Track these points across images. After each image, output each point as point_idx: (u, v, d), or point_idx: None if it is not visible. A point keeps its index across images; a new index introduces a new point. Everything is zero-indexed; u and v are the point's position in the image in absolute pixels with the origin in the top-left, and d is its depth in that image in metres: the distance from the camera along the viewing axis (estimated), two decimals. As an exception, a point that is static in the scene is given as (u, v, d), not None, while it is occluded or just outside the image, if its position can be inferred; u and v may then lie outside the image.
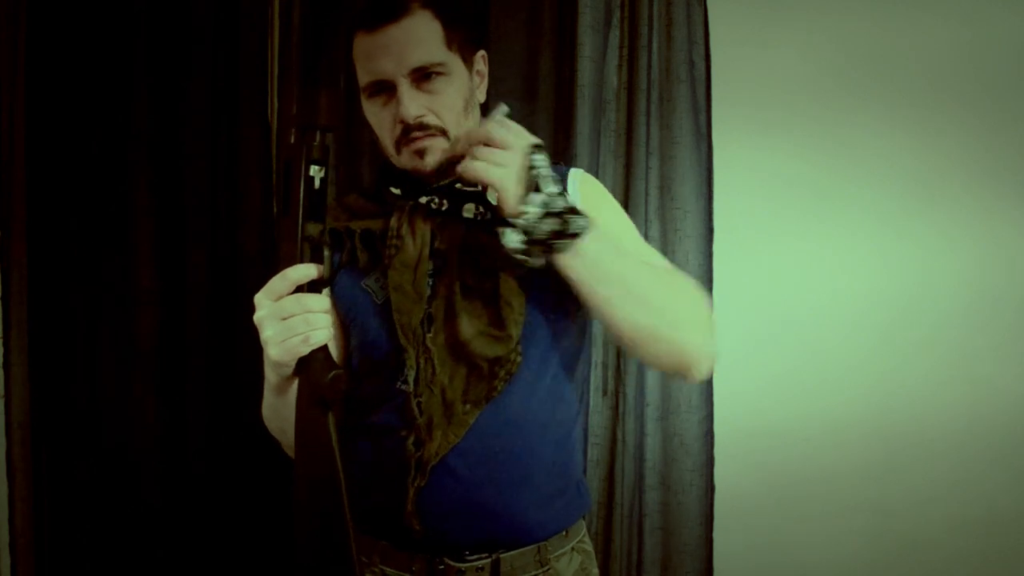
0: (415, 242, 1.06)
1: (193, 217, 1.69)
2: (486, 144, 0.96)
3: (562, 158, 1.70)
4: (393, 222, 1.07)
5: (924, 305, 1.82)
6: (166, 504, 1.71)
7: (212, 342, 1.70)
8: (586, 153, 1.71)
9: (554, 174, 0.96)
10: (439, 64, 1.04)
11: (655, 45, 1.73)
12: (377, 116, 1.08)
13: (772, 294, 1.83)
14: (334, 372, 0.92)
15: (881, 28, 1.80)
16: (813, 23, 1.81)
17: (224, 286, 1.71)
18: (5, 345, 1.68)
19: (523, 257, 0.95)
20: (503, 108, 1.00)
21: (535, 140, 0.97)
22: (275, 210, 1.69)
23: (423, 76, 1.03)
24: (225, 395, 1.71)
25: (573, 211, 0.95)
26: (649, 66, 1.73)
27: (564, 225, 0.94)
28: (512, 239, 0.94)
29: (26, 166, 1.67)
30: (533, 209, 0.93)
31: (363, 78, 1.06)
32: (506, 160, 0.95)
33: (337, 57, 1.67)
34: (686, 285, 1.05)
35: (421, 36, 1.03)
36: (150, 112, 1.68)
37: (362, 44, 1.05)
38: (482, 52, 1.13)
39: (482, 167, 0.95)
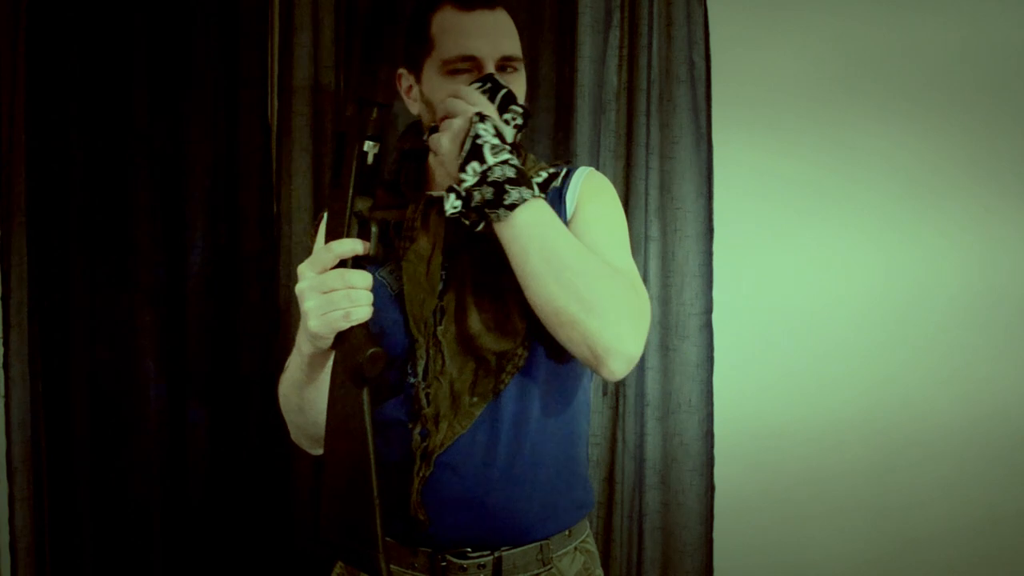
0: (428, 235, 1.07)
1: (193, 216, 1.70)
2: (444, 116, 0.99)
3: (562, 158, 1.70)
4: (408, 213, 1.09)
5: (924, 305, 1.82)
6: (166, 504, 1.71)
7: (212, 342, 1.71)
8: (586, 153, 1.71)
9: (497, 142, 0.96)
10: (519, 60, 1.10)
11: (655, 45, 1.73)
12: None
13: (772, 294, 1.83)
14: (372, 349, 0.91)
15: (881, 28, 1.80)
16: (813, 23, 1.81)
17: (224, 286, 1.71)
18: (5, 345, 1.68)
19: (465, 220, 0.98)
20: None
21: (485, 110, 0.99)
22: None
23: (503, 68, 1.08)
24: (225, 394, 1.71)
25: (514, 182, 0.95)
26: (649, 66, 1.73)
27: (498, 195, 0.95)
28: (449, 204, 0.97)
29: (26, 166, 1.67)
30: (469, 176, 0.95)
31: (450, 52, 1.07)
32: (449, 126, 0.97)
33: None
34: (623, 283, 1.02)
35: (510, 30, 1.10)
36: (150, 112, 1.68)
37: (453, 19, 1.07)
38: None
39: (435, 136, 0.98)
